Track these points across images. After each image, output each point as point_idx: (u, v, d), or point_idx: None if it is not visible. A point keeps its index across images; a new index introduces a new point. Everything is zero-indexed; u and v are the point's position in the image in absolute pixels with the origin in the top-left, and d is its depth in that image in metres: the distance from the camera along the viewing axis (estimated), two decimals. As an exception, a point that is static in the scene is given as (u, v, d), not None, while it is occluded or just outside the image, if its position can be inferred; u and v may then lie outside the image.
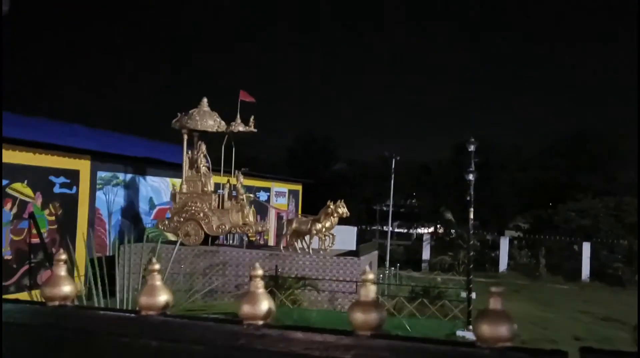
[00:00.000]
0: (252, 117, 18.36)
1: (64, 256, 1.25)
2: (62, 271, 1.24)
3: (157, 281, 1.17)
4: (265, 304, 1.10)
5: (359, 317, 1.04)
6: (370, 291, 1.05)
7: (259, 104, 19.16)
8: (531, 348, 0.97)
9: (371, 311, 1.04)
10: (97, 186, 17.72)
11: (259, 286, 1.12)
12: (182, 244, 16.61)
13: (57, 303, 1.22)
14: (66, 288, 1.22)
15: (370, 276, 1.07)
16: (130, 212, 19.33)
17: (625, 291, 25.98)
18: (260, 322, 1.10)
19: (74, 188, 16.75)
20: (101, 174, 17.89)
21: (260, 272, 1.14)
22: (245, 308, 1.10)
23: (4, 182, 14.40)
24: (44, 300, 1.22)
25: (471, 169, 16.13)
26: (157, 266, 1.18)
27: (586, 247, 29.30)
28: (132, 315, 1.16)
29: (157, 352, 1.15)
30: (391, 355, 1.03)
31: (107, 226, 18.06)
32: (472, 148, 16.54)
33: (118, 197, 18.68)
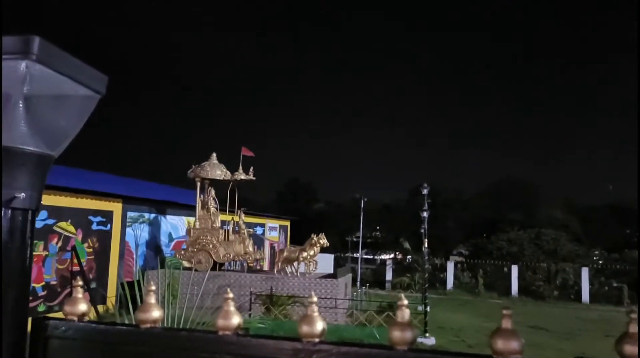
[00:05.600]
0: (252, 168, 18.37)
1: (153, 288, 1.24)
2: (152, 299, 1.23)
3: (231, 307, 1.17)
4: (320, 324, 1.10)
5: (397, 334, 1.05)
6: (405, 314, 1.06)
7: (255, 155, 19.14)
8: (537, 358, 0.98)
9: (407, 330, 1.05)
10: (127, 224, 17.48)
11: (315, 310, 1.12)
12: (195, 270, 16.35)
13: (148, 325, 1.21)
14: (155, 314, 1.21)
15: (405, 302, 1.08)
16: (153, 244, 19.03)
17: (546, 304, 25.98)
18: (317, 339, 1.09)
19: (108, 225, 16.51)
20: (130, 214, 17.66)
21: (315, 299, 1.14)
22: (304, 328, 1.10)
23: (52, 221, 14.17)
24: (136, 323, 1.22)
25: (425, 208, 16.25)
26: (231, 295, 1.18)
27: (514, 269, 29.38)
28: (211, 335, 1.15)
29: (230, 365, 1.14)
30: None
31: (134, 256, 17.74)
32: (425, 191, 16.70)
33: (144, 232, 18.41)
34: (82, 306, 1.26)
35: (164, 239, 19.79)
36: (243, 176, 18.22)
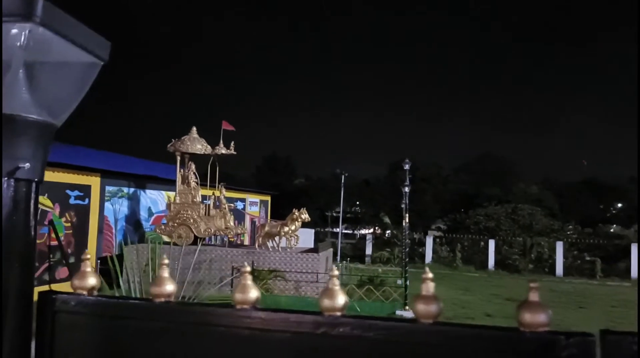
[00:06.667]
0: (232, 142, 18.21)
1: (167, 261, 1.21)
2: (166, 273, 1.20)
3: (248, 280, 1.14)
4: (341, 298, 1.08)
5: (422, 307, 1.04)
6: (430, 287, 1.05)
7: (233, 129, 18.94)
8: (564, 331, 0.98)
9: (432, 303, 1.04)
10: (105, 198, 17.24)
11: (336, 283, 1.10)
12: (175, 244, 16.30)
13: (162, 299, 1.18)
14: (170, 288, 1.18)
15: (430, 275, 1.07)
16: (133, 219, 18.84)
17: (522, 277, 26.56)
18: (339, 313, 1.08)
19: (87, 199, 16.27)
20: (109, 188, 17.41)
21: (337, 273, 1.12)
22: (325, 302, 1.08)
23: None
24: (150, 297, 1.18)
25: (406, 183, 16.26)
26: (248, 269, 1.15)
27: (491, 243, 29.88)
28: (228, 309, 1.13)
29: (249, 338, 1.12)
30: (447, 340, 1.03)
31: (113, 231, 17.56)
32: (407, 166, 16.68)
33: (123, 207, 18.20)
34: (92, 280, 1.22)
35: (143, 213, 19.59)
36: (224, 151, 18.06)
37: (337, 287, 1.09)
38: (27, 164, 1.20)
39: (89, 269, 1.24)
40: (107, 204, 17.26)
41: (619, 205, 43.14)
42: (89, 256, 1.26)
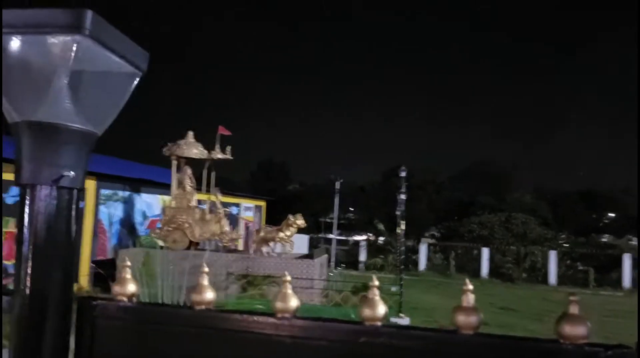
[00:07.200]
0: (229, 147, 18.19)
1: (207, 269, 1.24)
2: (205, 281, 1.23)
3: (289, 290, 1.17)
4: (382, 308, 1.11)
5: (462, 318, 1.07)
6: (470, 298, 1.08)
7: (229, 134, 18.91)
8: (603, 343, 1.01)
9: (472, 314, 1.07)
10: (100, 202, 17.17)
11: (376, 293, 1.13)
12: (170, 249, 16.26)
13: (203, 307, 1.20)
14: (210, 295, 1.21)
15: (470, 287, 1.10)
16: (127, 223, 18.76)
17: (515, 286, 26.62)
18: (379, 323, 1.11)
19: (81, 203, 16.20)
20: (104, 191, 17.35)
21: (377, 283, 1.15)
22: (366, 311, 1.11)
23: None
24: (190, 305, 1.21)
25: (403, 190, 16.30)
26: (289, 278, 1.18)
27: (485, 251, 29.91)
28: (269, 317, 1.16)
29: (289, 346, 1.15)
30: (488, 351, 1.06)
31: (108, 235, 17.48)
32: (403, 173, 16.72)
33: (117, 210, 18.13)
34: (132, 287, 1.25)
35: (138, 217, 19.51)
36: (220, 155, 18.02)
37: (377, 297, 1.12)
38: (72, 173, 1.22)
39: (128, 276, 1.26)
40: (101, 208, 17.19)
41: (612, 215, 43.45)
42: (128, 263, 1.28)
